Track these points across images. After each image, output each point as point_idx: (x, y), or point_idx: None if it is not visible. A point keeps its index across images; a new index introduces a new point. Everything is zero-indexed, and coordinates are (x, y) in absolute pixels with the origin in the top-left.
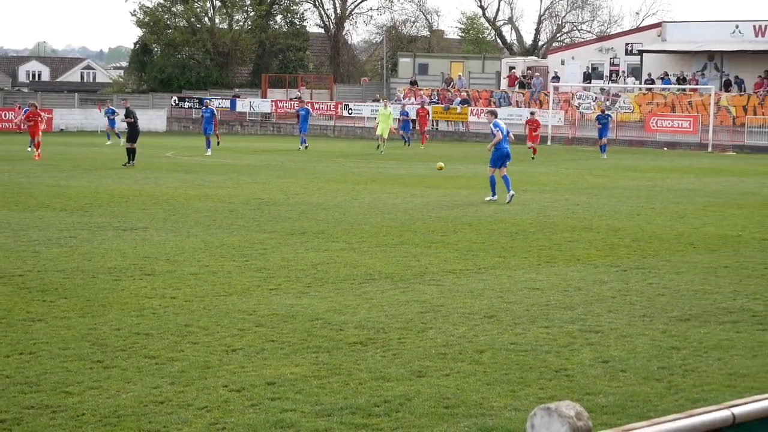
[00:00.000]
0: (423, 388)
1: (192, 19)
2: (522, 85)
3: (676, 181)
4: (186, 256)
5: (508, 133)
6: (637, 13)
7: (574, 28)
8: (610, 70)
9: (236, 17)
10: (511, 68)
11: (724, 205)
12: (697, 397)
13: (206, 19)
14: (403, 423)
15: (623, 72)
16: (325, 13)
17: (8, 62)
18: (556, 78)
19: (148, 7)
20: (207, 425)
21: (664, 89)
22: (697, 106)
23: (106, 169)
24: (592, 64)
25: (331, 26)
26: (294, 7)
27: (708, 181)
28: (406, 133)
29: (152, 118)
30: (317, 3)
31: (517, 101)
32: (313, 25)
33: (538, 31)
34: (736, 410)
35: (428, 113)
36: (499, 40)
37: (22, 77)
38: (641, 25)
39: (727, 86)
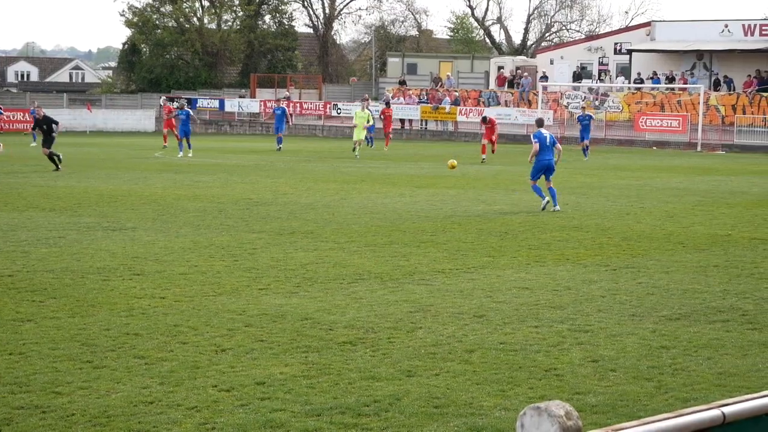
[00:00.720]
0: (412, 387)
1: (181, 19)
2: (511, 85)
3: (665, 180)
4: (175, 256)
5: (553, 143)
6: (626, 13)
7: (563, 28)
8: (599, 70)
9: (225, 17)
10: (500, 68)
11: (713, 205)
12: (686, 397)
13: (195, 19)
14: (393, 423)
15: (608, 71)
16: (314, 13)
17: None
18: (545, 77)
19: (136, 8)
20: (197, 425)
21: (653, 88)
22: (686, 105)
23: (95, 169)
24: (581, 63)
25: (320, 26)
26: (282, 7)
27: (697, 181)
28: (369, 132)
29: (141, 118)
30: (306, 3)
31: (506, 101)
32: (301, 25)
33: (527, 31)
34: (726, 409)
35: (392, 114)
36: (488, 40)
37: (10, 78)
38: (630, 25)
39: (716, 85)
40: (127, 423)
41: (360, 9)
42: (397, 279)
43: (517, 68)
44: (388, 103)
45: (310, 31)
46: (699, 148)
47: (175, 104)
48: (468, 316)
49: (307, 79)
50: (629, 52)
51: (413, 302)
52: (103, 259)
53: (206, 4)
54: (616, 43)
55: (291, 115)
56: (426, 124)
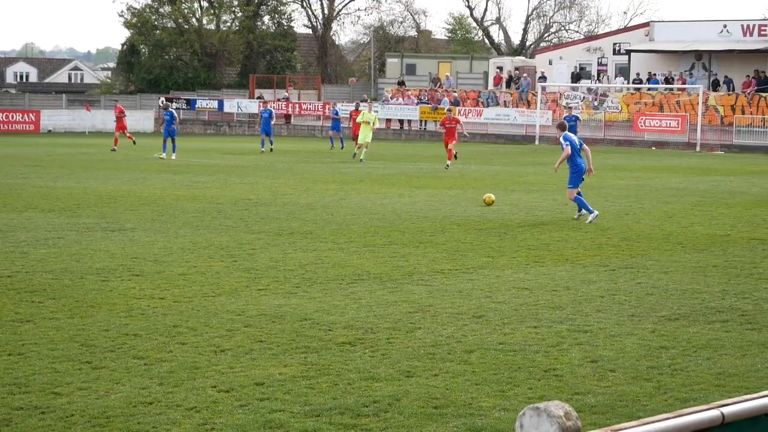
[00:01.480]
0: (412, 388)
1: (180, 20)
2: (510, 85)
3: (664, 180)
4: (174, 256)
5: (581, 145)
6: (625, 13)
7: (562, 28)
8: (598, 70)
9: (224, 18)
10: (499, 68)
11: (712, 205)
12: (686, 397)
13: (194, 20)
14: (392, 423)
15: (605, 72)
16: (313, 14)
17: None
18: (544, 78)
19: (135, 8)
20: (196, 426)
21: (651, 89)
22: (685, 105)
23: (94, 169)
24: (579, 64)
25: (319, 27)
26: (281, 7)
27: (696, 181)
28: (337, 133)
29: (140, 119)
30: (305, 3)
31: (504, 101)
32: (300, 25)
33: (525, 31)
34: (725, 410)
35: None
36: (486, 41)
37: (9, 78)
38: (629, 25)
39: (715, 86)
40: (127, 423)
41: (359, 9)
42: (396, 279)
43: (516, 69)
44: (357, 106)
45: (309, 31)
46: (698, 149)
47: (161, 104)
48: (467, 316)
49: (306, 80)
50: (628, 52)
51: (412, 303)
52: (102, 259)
53: (205, 4)
54: (614, 44)
55: (290, 115)
56: (425, 125)
